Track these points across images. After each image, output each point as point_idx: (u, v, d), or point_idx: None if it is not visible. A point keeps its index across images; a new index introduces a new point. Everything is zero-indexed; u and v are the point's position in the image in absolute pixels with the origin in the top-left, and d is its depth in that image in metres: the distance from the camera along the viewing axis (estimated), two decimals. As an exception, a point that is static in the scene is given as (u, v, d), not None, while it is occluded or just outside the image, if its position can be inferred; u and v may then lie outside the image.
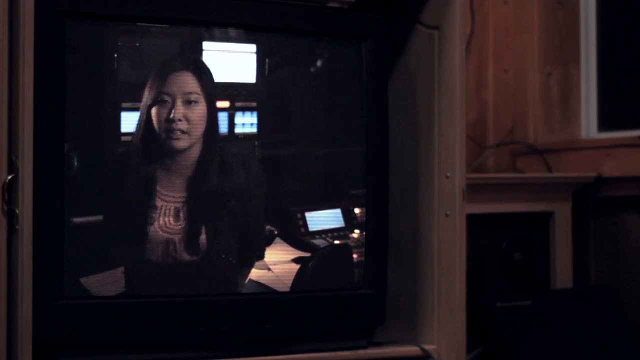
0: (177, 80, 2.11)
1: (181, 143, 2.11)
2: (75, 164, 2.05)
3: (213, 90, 2.14)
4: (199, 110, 2.13)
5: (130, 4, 2.09)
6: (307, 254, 2.26)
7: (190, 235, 2.13)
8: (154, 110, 2.08)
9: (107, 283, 2.07)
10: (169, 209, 2.11)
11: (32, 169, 1.98)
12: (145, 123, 2.08)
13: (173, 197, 2.11)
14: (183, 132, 2.11)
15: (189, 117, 2.11)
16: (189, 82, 2.12)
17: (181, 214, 2.12)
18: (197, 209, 2.14)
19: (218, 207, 2.16)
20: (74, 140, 2.04)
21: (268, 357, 2.19)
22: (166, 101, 2.10)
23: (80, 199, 2.05)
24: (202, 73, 2.14)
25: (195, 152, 2.13)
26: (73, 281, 2.04)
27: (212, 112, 2.14)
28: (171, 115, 2.10)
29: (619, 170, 3.06)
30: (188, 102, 2.11)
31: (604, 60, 3.31)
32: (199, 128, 2.13)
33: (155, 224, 2.10)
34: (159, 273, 2.11)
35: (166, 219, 2.11)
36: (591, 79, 3.32)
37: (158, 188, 2.10)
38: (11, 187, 1.98)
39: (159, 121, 2.09)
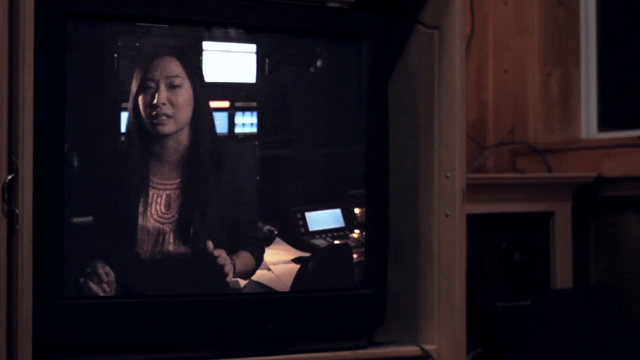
0: (160, 65, 2.10)
1: (167, 128, 2.10)
2: (75, 164, 2.05)
3: (198, 74, 2.13)
4: (184, 94, 2.12)
5: (130, 4, 2.09)
6: (307, 254, 2.26)
7: (188, 231, 2.13)
8: (139, 97, 2.08)
9: (107, 283, 2.07)
10: (162, 200, 2.10)
11: (32, 169, 1.98)
12: (132, 111, 2.07)
13: (165, 185, 2.10)
14: (168, 116, 2.10)
15: (174, 100, 2.10)
16: (171, 66, 2.11)
17: (172, 204, 2.12)
18: (192, 201, 2.14)
19: (207, 197, 2.15)
20: (74, 140, 2.04)
21: (268, 357, 2.19)
22: (150, 87, 2.09)
23: (80, 199, 2.05)
24: (185, 57, 2.12)
25: (183, 137, 2.12)
26: (73, 281, 2.04)
27: (198, 96, 2.13)
28: (156, 100, 2.09)
29: (619, 170, 3.06)
30: (172, 86, 2.10)
31: (604, 60, 3.31)
32: (185, 112, 2.12)
33: (154, 222, 2.10)
34: (159, 272, 2.11)
35: (161, 212, 2.11)
36: (591, 79, 3.32)
37: (153, 179, 2.10)
38: (11, 187, 1.98)
39: (144, 107, 2.08)
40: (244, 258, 2.20)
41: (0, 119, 1.97)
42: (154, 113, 2.09)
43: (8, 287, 1.98)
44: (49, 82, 2.01)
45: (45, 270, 2.01)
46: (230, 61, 2.18)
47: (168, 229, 2.12)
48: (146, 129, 2.09)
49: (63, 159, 2.03)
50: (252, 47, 2.21)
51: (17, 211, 1.97)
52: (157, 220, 2.11)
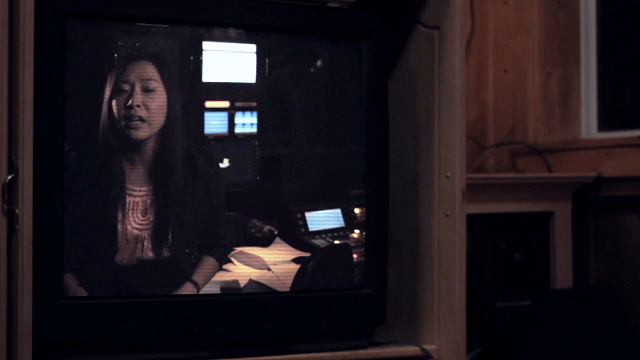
0: (135, 68, 2.10)
1: (140, 132, 2.10)
2: (75, 164, 2.04)
3: (173, 79, 2.13)
4: (158, 98, 2.11)
5: (130, 4, 2.09)
6: (307, 254, 2.26)
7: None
8: (114, 100, 2.07)
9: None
10: (136, 205, 2.10)
11: (32, 169, 1.98)
12: (106, 114, 2.06)
13: (140, 190, 2.10)
14: (142, 119, 2.09)
15: (148, 104, 2.10)
16: (147, 70, 2.11)
17: (149, 210, 2.12)
18: (162, 203, 2.14)
19: (183, 202, 2.16)
20: (74, 140, 2.04)
21: (268, 357, 2.19)
22: (125, 90, 2.08)
23: (80, 199, 2.05)
24: (161, 61, 2.12)
25: (156, 142, 2.11)
26: (73, 281, 2.04)
27: (172, 101, 2.13)
28: (130, 103, 2.08)
29: (619, 170, 3.06)
30: (146, 90, 2.10)
31: (604, 60, 3.31)
32: (159, 117, 2.11)
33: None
34: (159, 272, 2.11)
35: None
36: (591, 79, 3.32)
37: (131, 183, 2.10)
38: (11, 187, 1.98)
39: (118, 110, 2.08)
40: (208, 260, 2.20)
41: (0, 119, 1.97)
42: (127, 116, 2.08)
43: (8, 287, 1.98)
44: (49, 82, 2.01)
45: (45, 270, 2.01)
46: (230, 61, 2.18)
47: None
48: (120, 132, 2.09)
49: (63, 159, 2.03)
50: (252, 47, 2.20)
51: (17, 211, 1.97)
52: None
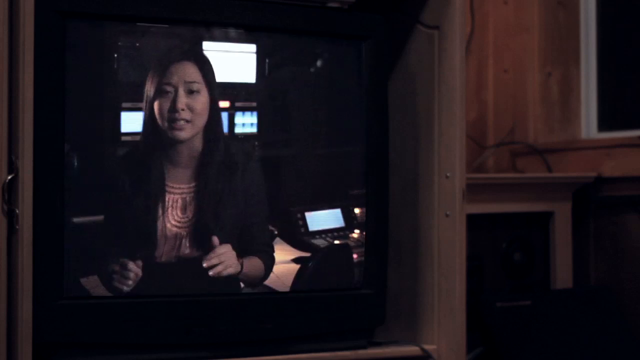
0: (178, 70, 2.11)
1: (184, 133, 2.11)
2: (75, 164, 2.05)
3: (214, 79, 2.14)
4: (202, 99, 2.12)
5: (130, 4, 2.09)
6: (307, 254, 2.26)
7: (195, 231, 2.13)
8: (156, 102, 2.08)
9: (107, 282, 2.07)
10: (175, 202, 2.10)
11: (32, 169, 1.98)
12: (148, 115, 2.08)
13: (179, 188, 2.11)
14: (187, 121, 2.11)
15: (192, 106, 2.11)
16: (190, 71, 2.12)
17: (188, 208, 2.12)
18: (202, 202, 2.14)
19: (221, 201, 2.16)
20: (74, 140, 2.04)
21: (268, 357, 2.19)
22: (168, 92, 2.10)
23: (80, 199, 2.05)
24: (203, 63, 2.13)
25: (198, 142, 2.13)
26: (73, 281, 2.04)
27: (215, 102, 2.14)
28: (175, 106, 2.09)
29: (619, 170, 3.06)
30: (190, 92, 2.11)
31: (604, 60, 3.31)
32: (202, 117, 2.13)
33: (153, 220, 2.10)
34: (159, 272, 2.11)
35: (168, 214, 2.11)
36: (591, 79, 3.32)
37: (164, 182, 2.10)
38: (11, 187, 1.98)
39: (161, 112, 2.09)
40: (253, 261, 2.20)
41: (0, 119, 1.97)
42: (172, 118, 2.09)
43: (8, 287, 1.98)
44: (49, 82, 2.01)
45: (45, 270, 2.01)
46: (230, 61, 2.18)
47: (169, 230, 2.12)
48: (162, 133, 2.09)
49: (63, 159, 2.03)
50: (252, 47, 2.21)
51: (17, 211, 1.97)
52: (157, 222, 2.11)
